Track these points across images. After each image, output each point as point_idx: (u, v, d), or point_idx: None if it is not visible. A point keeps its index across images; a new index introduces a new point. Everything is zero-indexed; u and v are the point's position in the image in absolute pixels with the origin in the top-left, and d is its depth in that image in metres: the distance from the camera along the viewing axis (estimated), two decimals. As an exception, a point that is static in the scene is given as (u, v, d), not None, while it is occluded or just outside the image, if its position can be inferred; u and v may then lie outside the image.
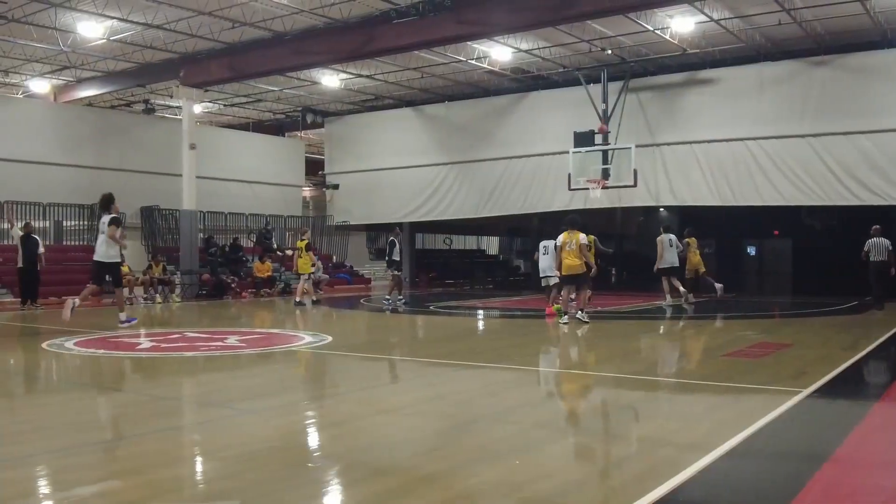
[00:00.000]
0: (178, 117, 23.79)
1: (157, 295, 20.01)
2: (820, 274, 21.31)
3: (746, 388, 7.09)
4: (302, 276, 18.23)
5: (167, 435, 5.58)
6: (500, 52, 20.49)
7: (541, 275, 15.02)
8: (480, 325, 16.34)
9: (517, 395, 7.02)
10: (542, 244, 14.97)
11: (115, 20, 18.15)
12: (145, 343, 11.06)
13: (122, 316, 12.37)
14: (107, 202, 12.48)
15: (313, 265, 18.72)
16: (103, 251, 12.10)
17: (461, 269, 33.10)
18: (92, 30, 18.71)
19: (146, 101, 26.24)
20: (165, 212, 23.40)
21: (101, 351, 10.19)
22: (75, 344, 10.54)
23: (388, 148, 26.69)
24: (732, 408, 6.36)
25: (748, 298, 20.33)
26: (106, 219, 12.25)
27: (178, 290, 21.02)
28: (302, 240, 18.71)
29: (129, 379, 8.67)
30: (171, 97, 24.68)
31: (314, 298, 18.63)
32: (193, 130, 22.21)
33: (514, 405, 6.49)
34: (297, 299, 18.13)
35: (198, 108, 23.66)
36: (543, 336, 12.66)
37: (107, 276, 12.72)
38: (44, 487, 4.26)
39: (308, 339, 11.25)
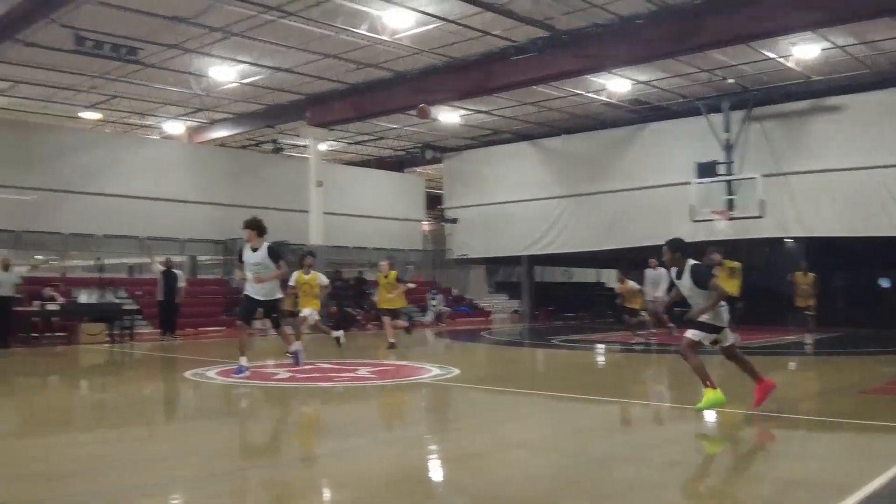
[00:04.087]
0: (305, 156, 25.03)
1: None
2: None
3: (889, 426, 6.77)
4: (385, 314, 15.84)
5: (304, 463, 5.84)
6: (617, 84, 20.62)
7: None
8: (603, 358, 16.26)
9: (647, 432, 7.03)
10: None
11: (245, 64, 19.46)
12: (282, 374, 11.41)
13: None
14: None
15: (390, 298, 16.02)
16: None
17: (580, 302, 32.94)
18: (224, 74, 20.00)
19: (274, 141, 27.85)
20: (294, 247, 24.41)
21: (241, 380, 10.67)
22: (216, 374, 11.17)
23: (506, 182, 27.27)
24: (875, 447, 6.10)
25: (883, 333, 19.38)
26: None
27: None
28: (387, 274, 15.93)
29: (267, 408, 9.11)
30: (298, 136, 25.96)
31: (391, 341, 15.42)
32: (319, 168, 23.36)
33: (645, 442, 6.47)
34: (392, 340, 15.46)
35: (323, 147, 24.89)
36: (669, 370, 12.41)
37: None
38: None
39: (436, 371, 11.44)
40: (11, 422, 8.21)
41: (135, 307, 19.49)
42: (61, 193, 21.95)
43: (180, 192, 23.72)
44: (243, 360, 10.41)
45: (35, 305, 17.92)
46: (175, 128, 26.36)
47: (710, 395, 7.04)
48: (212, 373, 11.33)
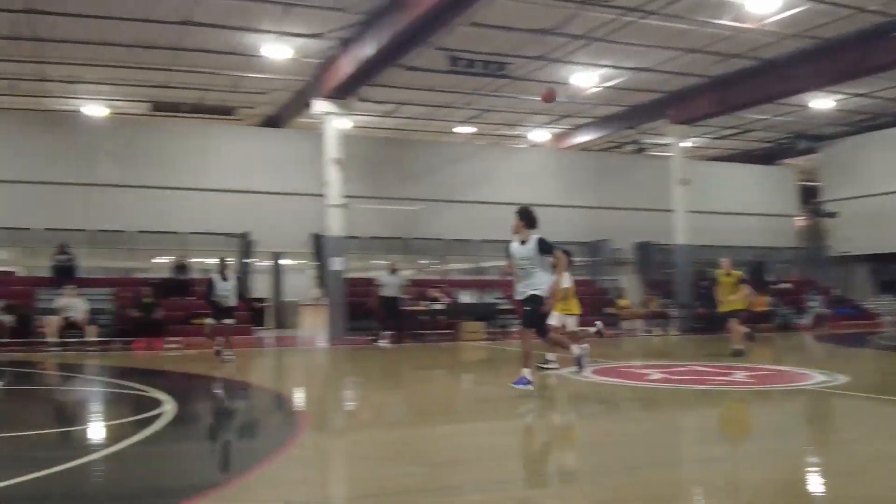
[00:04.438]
0: (667, 154, 25.15)
1: (655, 328, 21.68)
2: None
3: None
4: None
5: (686, 466, 5.79)
6: None
7: None
8: None
9: None
10: None
11: (607, 68, 20.06)
12: (654, 374, 11.41)
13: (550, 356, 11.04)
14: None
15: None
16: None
17: None
18: (586, 79, 20.84)
19: (635, 142, 28.35)
20: (659, 247, 24.80)
21: (613, 379, 10.87)
22: (591, 372, 11.26)
23: (892, 170, 24.89)
24: None
25: None
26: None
27: (673, 324, 22.15)
28: (729, 273, 14.63)
29: (641, 407, 9.09)
30: (660, 135, 26.04)
31: (737, 348, 13.98)
32: (682, 166, 23.36)
33: None
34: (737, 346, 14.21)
35: (685, 144, 24.76)
36: None
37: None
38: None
39: (819, 377, 10.58)
40: (406, 412, 9.05)
41: (510, 307, 20.58)
42: (442, 203, 24.09)
43: (547, 197, 24.62)
44: (526, 373, 9.03)
45: (422, 305, 20.28)
46: (541, 136, 27.97)
47: None
48: (587, 371, 11.37)
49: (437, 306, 20.50)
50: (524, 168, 25.81)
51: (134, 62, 20.44)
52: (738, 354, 13.61)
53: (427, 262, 25.29)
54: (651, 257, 24.95)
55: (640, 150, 28.87)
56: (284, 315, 23.29)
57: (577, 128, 27.06)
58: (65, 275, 19.97)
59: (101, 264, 22.44)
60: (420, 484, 5.26)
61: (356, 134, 24.23)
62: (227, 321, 14.61)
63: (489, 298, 21.67)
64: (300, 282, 24.52)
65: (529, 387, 8.93)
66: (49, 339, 17.67)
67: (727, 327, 14.52)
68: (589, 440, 7.01)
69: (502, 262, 25.28)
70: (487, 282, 23.10)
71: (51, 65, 20.86)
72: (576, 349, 9.74)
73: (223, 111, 25.12)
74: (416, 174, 24.34)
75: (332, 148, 19.90)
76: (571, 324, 12.21)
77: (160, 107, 24.63)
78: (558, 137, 28.21)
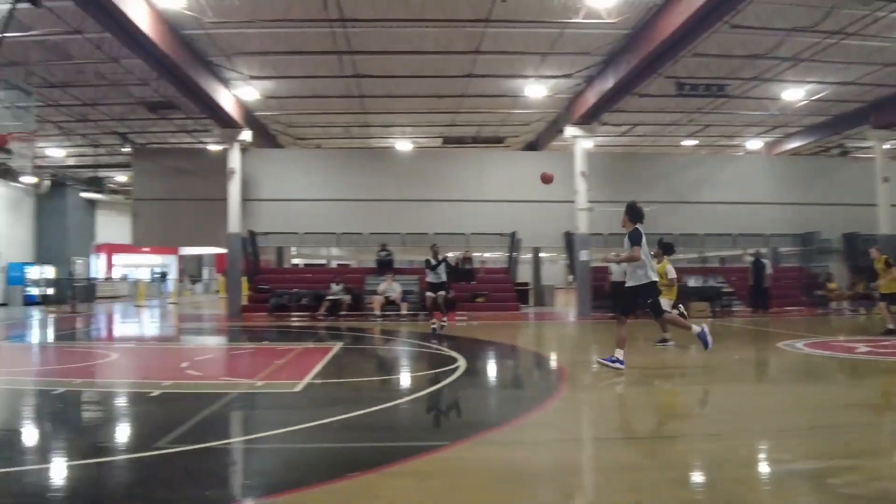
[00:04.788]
0: (870, 156, 26.04)
1: (861, 308, 22.62)
2: None
3: None
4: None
5: (869, 429, 6.15)
6: None
7: None
8: None
9: None
10: None
11: (812, 84, 21.47)
12: (862, 348, 11.74)
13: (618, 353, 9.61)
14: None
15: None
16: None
17: None
18: (794, 94, 22.34)
19: (840, 146, 29.13)
20: (864, 237, 25.29)
21: (825, 352, 11.35)
22: (804, 345, 12.06)
23: None
24: None
25: None
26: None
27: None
28: (877, 258, 15.36)
29: (847, 376, 9.47)
30: (862, 139, 27.00)
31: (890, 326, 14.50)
32: (884, 165, 24.15)
33: None
34: (890, 326, 14.53)
35: (886, 146, 25.20)
36: None
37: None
38: (764, 457, 5.32)
39: None
40: (643, 374, 9.24)
41: (730, 290, 22.61)
42: (671, 204, 25.34)
43: (762, 196, 26.33)
44: (619, 353, 9.32)
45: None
46: (756, 144, 29.33)
47: None
48: (800, 344, 12.25)
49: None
50: (742, 172, 27.02)
51: (430, 108, 24.25)
52: (888, 333, 14.05)
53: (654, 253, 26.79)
54: (857, 246, 25.34)
55: (845, 153, 29.45)
56: (543, 295, 25.26)
57: (788, 136, 28.32)
58: (385, 266, 23.71)
59: (410, 258, 24.95)
60: (659, 431, 6.10)
61: (598, 151, 26.45)
62: (440, 293, 16.78)
63: (712, 282, 23.17)
64: (554, 270, 26.76)
65: (618, 365, 9.20)
66: (374, 313, 20.86)
67: (879, 308, 15.12)
68: (799, 403, 7.31)
69: (723, 253, 27.41)
70: (710, 269, 24.78)
71: (372, 115, 25.16)
72: (696, 327, 9.86)
73: (495, 140, 28.58)
74: (649, 181, 25.86)
75: (579, 163, 22.39)
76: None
77: (449, 140, 28.73)
78: (771, 145, 29.50)
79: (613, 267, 20.87)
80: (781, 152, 29.51)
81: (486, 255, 25.63)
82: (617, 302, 9.92)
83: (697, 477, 4.92)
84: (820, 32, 17.25)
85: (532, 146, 29.25)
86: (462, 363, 10.10)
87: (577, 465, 5.35)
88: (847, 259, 26.00)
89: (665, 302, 11.88)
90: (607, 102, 20.62)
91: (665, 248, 12.90)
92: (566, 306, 24.54)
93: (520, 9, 16.32)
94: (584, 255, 22.45)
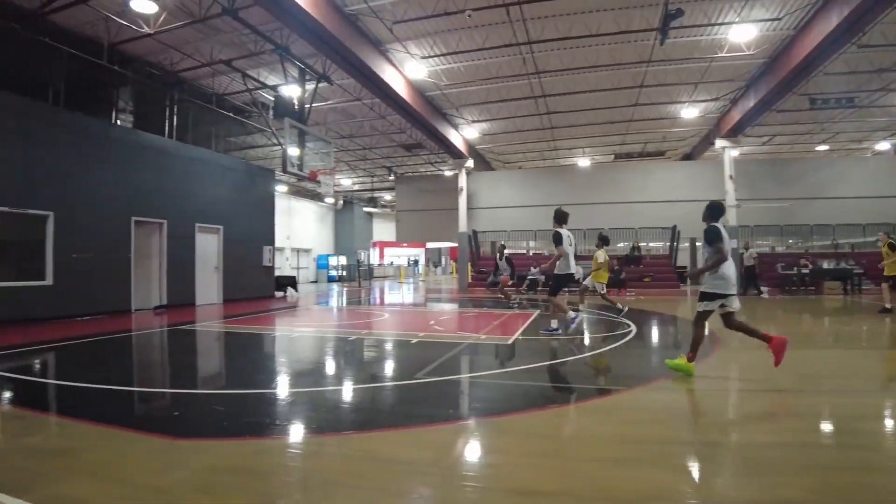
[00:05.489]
0: None
1: None
2: None
3: None
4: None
5: None
6: None
7: None
8: None
9: None
10: None
11: None
12: None
13: (553, 323, 9.26)
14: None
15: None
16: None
17: None
18: None
19: None
20: None
21: None
22: None
23: None
24: None
25: None
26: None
27: None
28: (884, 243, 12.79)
29: None
30: None
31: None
32: None
33: None
34: (888, 305, 12.33)
35: None
36: None
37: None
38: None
39: None
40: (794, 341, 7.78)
41: (860, 271, 20.27)
42: (805, 200, 23.62)
43: (889, 191, 23.44)
44: (554, 323, 9.05)
45: (793, 269, 20.43)
46: (883, 146, 26.05)
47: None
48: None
49: (804, 270, 20.43)
50: (870, 170, 24.16)
51: (604, 132, 23.65)
52: (884, 311, 11.96)
53: (793, 241, 24.79)
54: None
55: None
56: (698, 277, 25.02)
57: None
58: None
59: (591, 248, 22.79)
60: (792, 385, 5.62)
61: (742, 158, 24.74)
62: (496, 280, 16.83)
63: (845, 265, 20.90)
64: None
65: (558, 333, 8.79)
66: (563, 290, 21.77)
67: (882, 288, 12.62)
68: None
69: (853, 240, 24.75)
70: (842, 253, 22.38)
71: (559, 140, 25.04)
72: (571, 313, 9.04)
73: (657, 154, 27.46)
74: (787, 181, 24.02)
75: (727, 169, 20.93)
76: (600, 288, 11.84)
77: (619, 156, 27.94)
78: (900, 146, 25.66)
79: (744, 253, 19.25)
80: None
81: (651, 244, 24.73)
82: (551, 285, 8.87)
83: (827, 426, 4.52)
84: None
85: (688, 157, 27.65)
86: (633, 328, 9.77)
87: (728, 409, 5.06)
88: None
89: (598, 285, 11.68)
90: (750, 118, 19.26)
91: (602, 239, 12.08)
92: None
93: (675, 49, 15.66)
94: (733, 244, 20.98)
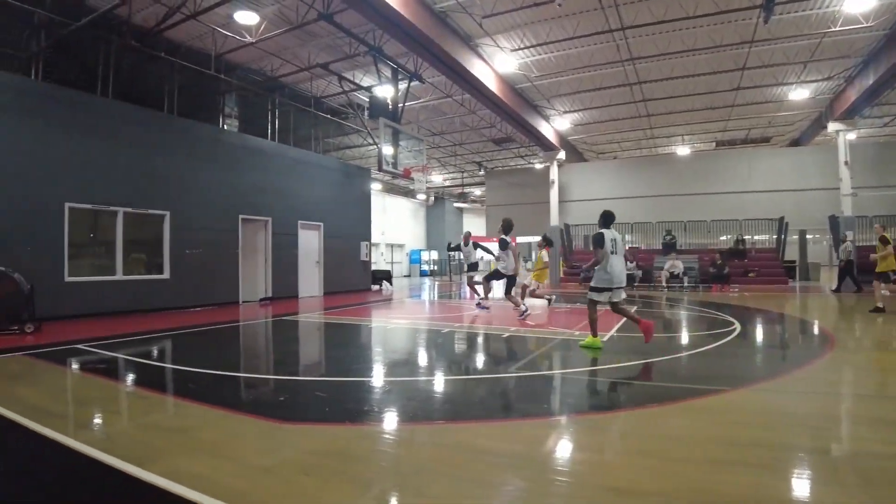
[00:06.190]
0: None
1: None
2: None
3: None
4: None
5: None
6: None
7: None
8: None
9: None
10: None
11: None
12: None
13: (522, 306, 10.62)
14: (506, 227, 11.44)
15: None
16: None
17: None
18: None
19: None
20: None
21: None
22: None
23: None
24: None
25: None
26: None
27: None
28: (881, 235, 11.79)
29: None
30: None
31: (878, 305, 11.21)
32: None
33: None
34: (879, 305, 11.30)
35: None
36: None
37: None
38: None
39: None
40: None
41: None
42: None
43: None
44: (484, 302, 12.14)
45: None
46: None
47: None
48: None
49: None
50: None
51: (705, 119, 22.68)
52: (876, 311, 11.10)
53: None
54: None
55: None
56: (808, 271, 22.95)
57: None
58: (669, 247, 22.75)
59: (691, 241, 23.66)
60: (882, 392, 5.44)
61: (860, 142, 23.08)
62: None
63: None
64: (819, 249, 23.89)
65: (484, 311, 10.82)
66: (661, 285, 20.20)
67: (875, 286, 11.67)
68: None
69: None
70: None
71: (656, 128, 24.28)
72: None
73: (762, 140, 26.11)
74: None
75: (842, 154, 19.45)
76: (534, 286, 13.08)
77: (720, 143, 26.70)
78: None
79: (849, 247, 17.76)
80: None
81: (757, 237, 23.45)
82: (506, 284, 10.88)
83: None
84: None
85: (796, 142, 25.84)
86: (737, 327, 9.34)
87: (836, 414, 4.73)
88: None
89: (535, 283, 12.92)
90: (868, 98, 17.79)
91: (547, 241, 13.06)
92: (830, 281, 20.86)
93: (781, 27, 14.65)
94: (849, 237, 19.38)
